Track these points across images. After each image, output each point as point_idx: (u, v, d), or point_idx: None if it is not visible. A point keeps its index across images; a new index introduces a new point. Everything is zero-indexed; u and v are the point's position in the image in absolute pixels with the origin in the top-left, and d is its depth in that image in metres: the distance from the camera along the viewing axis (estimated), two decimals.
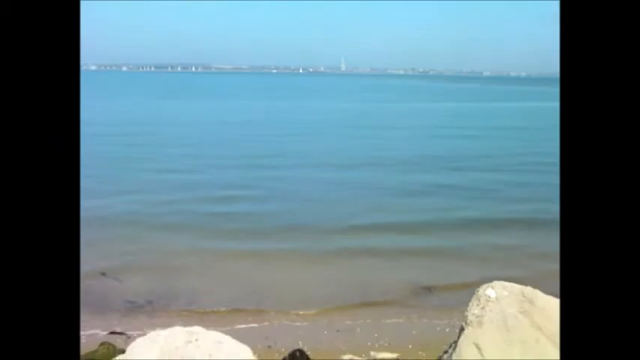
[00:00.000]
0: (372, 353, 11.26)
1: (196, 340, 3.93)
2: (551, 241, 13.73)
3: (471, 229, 20.15)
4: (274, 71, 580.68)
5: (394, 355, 10.98)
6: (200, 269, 15.91)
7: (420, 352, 10.92)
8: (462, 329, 4.80)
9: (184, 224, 20.27)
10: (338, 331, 12.46)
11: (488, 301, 4.85)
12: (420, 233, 19.77)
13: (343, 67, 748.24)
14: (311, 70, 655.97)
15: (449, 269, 15.88)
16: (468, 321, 4.80)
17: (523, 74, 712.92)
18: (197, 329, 4.04)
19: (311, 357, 10.77)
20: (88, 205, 19.53)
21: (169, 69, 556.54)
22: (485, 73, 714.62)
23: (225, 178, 29.36)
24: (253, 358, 3.98)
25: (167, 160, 34.28)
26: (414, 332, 12.13)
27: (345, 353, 11.27)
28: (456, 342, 4.75)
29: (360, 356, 11.15)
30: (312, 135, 48.86)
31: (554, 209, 20.60)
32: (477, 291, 4.96)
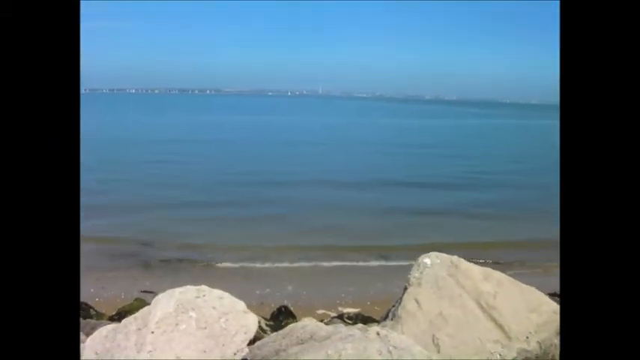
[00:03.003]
0: (340, 309, 11.38)
1: (204, 296, 3.97)
2: None
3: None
4: (270, 94, 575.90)
5: (357, 310, 11.09)
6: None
7: (375, 308, 11.02)
8: (405, 288, 4.87)
9: None
10: (315, 291, 12.59)
11: (425, 267, 4.92)
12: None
13: (320, 91, 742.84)
14: (297, 93, 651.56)
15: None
16: (410, 282, 4.87)
17: (455, 97, 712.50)
18: (204, 287, 4.08)
19: (293, 312, 10.87)
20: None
21: (189, 92, 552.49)
22: (427, 97, 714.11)
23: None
24: (246, 309, 4.03)
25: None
26: (371, 292, 12.25)
27: (319, 309, 11.42)
28: (401, 298, 4.81)
29: (330, 311, 11.29)
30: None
31: None
32: (417, 260, 5.04)
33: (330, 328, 4.19)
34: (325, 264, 14.57)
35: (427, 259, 4.96)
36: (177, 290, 3.98)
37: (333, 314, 10.99)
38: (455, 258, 5.00)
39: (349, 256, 15.06)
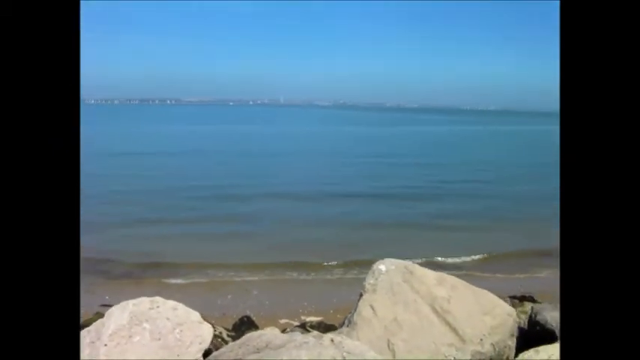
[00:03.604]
0: (302, 318, 11.39)
1: (157, 307, 3.97)
2: None
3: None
4: (231, 103, 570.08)
5: (319, 318, 11.10)
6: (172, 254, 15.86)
7: (338, 316, 11.04)
8: (361, 295, 4.91)
9: None
10: (277, 301, 12.58)
11: (380, 273, 4.98)
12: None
13: (282, 100, 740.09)
14: (259, 102, 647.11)
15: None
16: (365, 289, 4.93)
17: (415, 105, 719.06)
18: (158, 299, 4.08)
19: (256, 322, 10.84)
20: None
21: (150, 102, 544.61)
22: (389, 105, 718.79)
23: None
24: (201, 319, 4.03)
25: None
26: (334, 300, 12.27)
27: (281, 318, 11.41)
28: (356, 305, 4.86)
29: (293, 320, 11.29)
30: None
31: None
32: (372, 267, 5.09)
33: (285, 336, 4.21)
34: (288, 276, 14.53)
35: (382, 266, 5.03)
36: (131, 302, 3.97)
37: (296, 323, 10.98)
38: (409, 264, 5.08)
39: (312, 268, 15.06)
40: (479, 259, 16.01)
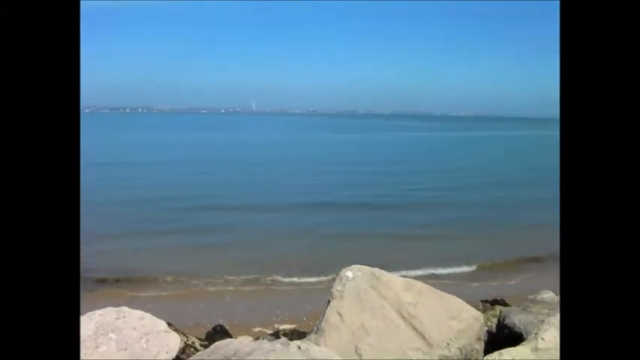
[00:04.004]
0: (276, 326, 11.41)
1: (124, 317, 3.96)
2: None
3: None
4: (203, 111, 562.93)
5: (292, 326, 11.12)
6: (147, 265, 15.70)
7: (311, 323, 11.05)
8: (329, 302, 4.95)
9: None
10: (251, 309, 12.58)
11: (347, 280, 5.02)
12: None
13: (254, 108, 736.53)
14: (230, 110, 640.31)
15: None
16: (333, 295, 4.97)
17: (387, 112, 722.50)
18: (124, 308, 4.07)
19: (229, 331, 10.82)
20: None
21: (121, 110, 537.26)
22: (361, 112, 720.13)
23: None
24: (168, 329, 4.03)
25: None
26: (308, 307, 12.29)
27: (255, 326, 11.41)
28: (324, 312, 4.89)
29: (267, 328, 11.30)
30: None
31: None
32: (340, 273, 5.12)
33: (253, 344, 4.23)
34: (262, 286, 14.50)
35: (349, 272, 5.07)
36: (97, 312, 3.96)
37: (270, 331, 10.99)
38: (376, 270, 5.12)
39: (286, 277, 15.01)
40: (456, 266, 16.12)
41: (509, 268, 16.12)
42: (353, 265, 5.18)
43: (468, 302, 10.07)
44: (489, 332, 7.16)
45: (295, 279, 14.88)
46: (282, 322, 11.59)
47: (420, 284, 5.15)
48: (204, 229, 20.81)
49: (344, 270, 5.13)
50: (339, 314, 4.75)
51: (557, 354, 3.83)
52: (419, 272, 15.17)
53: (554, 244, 18.08)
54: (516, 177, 37.27)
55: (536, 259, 16.69)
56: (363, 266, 5.17)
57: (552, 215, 23.44)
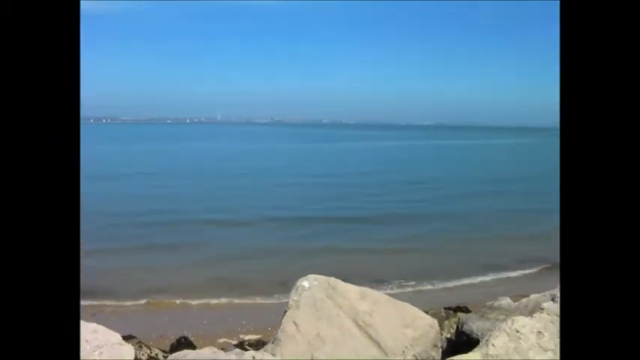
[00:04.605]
0: (241, 336, 11.38)
1: None
2: None
3: None
4: (168, 121, 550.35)
5: (258, 336, 11.10)
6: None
7: (274, 332, 11.04)
8: (285, 312, 4.99)
9: None
10: (216, 320, 12.56)
11: (303, 290, 5.06)
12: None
13: (219, 117, 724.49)
14: (196, 120, 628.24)
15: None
16: (289, 305, 5.00)
17: (352, 122, 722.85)
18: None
19: (194, 342, 10.76)
20: None
21: (84, 121, 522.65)
22: (325, 121, 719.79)
23: None
24: (122, 341, 4.03)
25: None
26: (273, 318, 12.26)
27: (220, 337, 11.36)
28: (281, 322, 4.93)
29: (232, 339, 11.26)
30: None
31: None
32: (296, 283, 5.16)
33: (210, 354, 4.25)
34: (227, 298, 14.36)
35: (305, 282, 5.11)
36: None
37: (234, 342, 10.95)
38: (332, 279, 5.17)
39: (252, 290, 14.85)
40: (423, 275, 16.23)
41: (472, 274, 16.34)
42: (309, 275, 5.22)
43: (432, 309, 10.22)
44: (449, 339, 7.27)
45: (262, 292, 14.70)
46: (247, 333, 11.55)
47: (375, 293, 5.22)
48: (169, 244, 20.32)
49: (300, 280, 5.17)
50: (295, 324, 4.79)
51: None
52: (389, 285, 15.29)
53: (518, 253, 18.42)
54: (482, 188, 37.38)
55: (503, 267, 16.97)
56: (319, 276, 5.22)
57: (517, 225, 23.77)
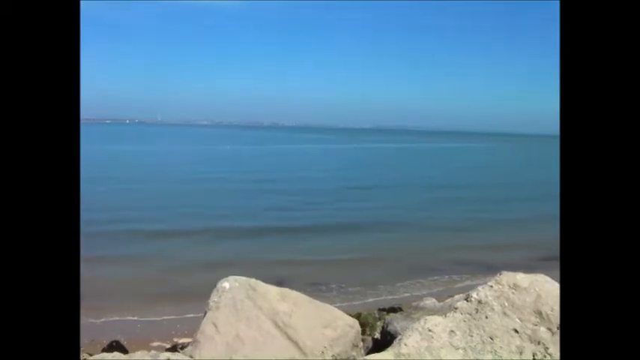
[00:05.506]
0: (175, 339, 11.28)
1: None
2: None
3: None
4: (108, 122, 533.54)
5: (191, 339, 11.00)
6: None
7: None
8: (205, 313, 4.99)
9: None
10: (149, 324, 12.42)
11: (224, 291, 5.07)
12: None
13: (159, 119, 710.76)
14: (136, 120, 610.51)
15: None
16: (209, 307, 5.01)
17: (292, 124, 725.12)
18: None
19: (126, 346, 10.63)
20: None
21: None
22: (266, 123, 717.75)
23: None
24: None
25: None
26: None
27: (153, 341, 11.25)
28: (200, 323, 4.93)
29: (165, 342, 11.16)
30: None
31: None
32: (217, 284, 5.16)
33: (125, 357, 4.24)
34: (161, 305, 13.88)
35: (226, 283, 5.12)
36: None
37: (168, 345, 10.87)
38: (252, 281, 5.19)
39: (188, 298, 14.44)
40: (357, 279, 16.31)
41: (413, 277, 16.57)
42: (230, 276, 5.23)
43: (366, 310, 10.33)
44: (375, 339, 7.40)
45: (199, 297, 14.34)
46: (181, 337, 11.44)
47: (295, 293, 5.26)
48: (105, 256, 19.21)
49: (221, 281, 5.18)
50: (215, 325, 4.80)
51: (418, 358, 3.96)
52: (328, 290, 15.32)
53: (461, 258, 18.73)
54: (424, 194, 37.44)
55: (443, 272, 17.27)
56: (240, 277, 5.23)
57: (459, 233, 24.07)
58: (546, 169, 56.99)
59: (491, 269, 14.40)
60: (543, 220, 25.52)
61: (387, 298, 14.47)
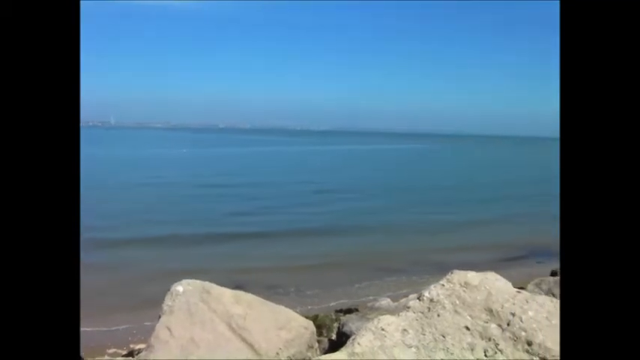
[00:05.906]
0: (131, 346, 11.18)
1: None
2: None
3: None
4: None
5: None
6: None
7: None
8: (159, 317, 4.97)
9: None
10: (105, 330, 12.33)
11: (177, 294, 5.06)
12: None
13: (113, 122, 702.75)
14: (90, 123, 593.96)
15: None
16: (163, 311, 4.99)
17: (247, 126, 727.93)
18: None
19: (82, 356, 10.47)
20: None
21: None
22: (222, 126, 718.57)
23: None
24: None
25: None
26: None
27: (110, 348, 11.14)
28: (154, 328, 4.92)
29: (122, 349, 11.07)
30: None
31: None
32: (170, 288, 5.15)
33: None
34: (117, 309, 13.76)
35: (180, 287, 5.11)
36: None
37: (124, 352, 10.77)
38: (207, 284, 5.20)
39: (149, 303, 14.18)
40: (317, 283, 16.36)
41: (372, 278, 16.71)
42: (183, 280, 5.23)
43: (323, 312, 10.37)
44: (331, 340, 7.47)
45: (157, 303, 14.10)
46: (137, 343, 11.31)
47: (249, 296, 5.29)
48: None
49: (174, 284, 5.17)
50: (169, 329, 4.78)
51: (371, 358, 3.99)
52: (286, 293, 15.33)
53: (421, 259, 18.90)
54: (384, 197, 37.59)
55: (404, 273, 17.49)
56: (194, 280, 5.23)
57: (421, 234, 24.18)
58: (505, 170, 58.33)
59: (451, 269, 14.50)
60: (504, 221, 26.12)
61: (345, 301, 14.53)
